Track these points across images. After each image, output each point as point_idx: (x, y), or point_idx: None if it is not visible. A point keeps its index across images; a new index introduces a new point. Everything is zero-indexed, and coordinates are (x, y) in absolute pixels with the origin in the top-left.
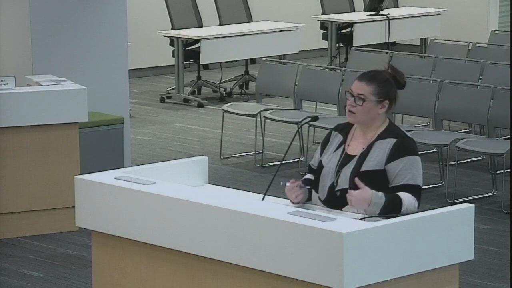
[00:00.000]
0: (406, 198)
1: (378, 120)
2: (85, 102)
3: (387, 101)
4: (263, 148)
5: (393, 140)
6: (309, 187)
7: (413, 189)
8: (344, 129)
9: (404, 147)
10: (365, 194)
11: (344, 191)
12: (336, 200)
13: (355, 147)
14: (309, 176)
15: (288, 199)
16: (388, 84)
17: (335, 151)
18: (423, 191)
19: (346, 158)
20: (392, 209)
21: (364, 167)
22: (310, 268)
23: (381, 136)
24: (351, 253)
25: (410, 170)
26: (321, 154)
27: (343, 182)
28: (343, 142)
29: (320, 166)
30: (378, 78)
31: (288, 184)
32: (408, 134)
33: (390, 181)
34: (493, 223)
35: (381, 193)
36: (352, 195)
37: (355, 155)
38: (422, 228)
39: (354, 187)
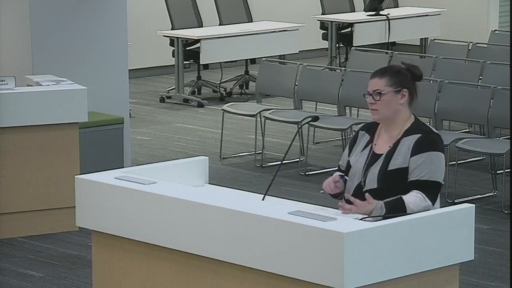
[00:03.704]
0: (412, 198)
1: (402, 114)
2: (85, 102)
3: (405, 89)
4: (263, 148)
5: (417, 136)
6: (347, 178)
7: (427, 185)
8: (371, 129)
9: (427, 142)
10: (368, 207)
11: (372, 191)
12: (362, 201)
13: (381, 146)
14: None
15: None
16: (401, 74)
17: (362, 150)
18: None
19: (373, 158)
20: (395, 214)
21: (391, 166)
22: (310, 268)
23: (406, 133)
24: (351, 253)
25: (429, 166)
26: (349, 155)
27: (371, 182)
28: (370, 141)
29: (348, 166)
30: (389, 70)
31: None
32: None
33: (409, 175)
34: (493, 223)
35: (381, 205)
36: (357, 205)
37: (381, 154)
38: (422, 228)
39: (383, 186)
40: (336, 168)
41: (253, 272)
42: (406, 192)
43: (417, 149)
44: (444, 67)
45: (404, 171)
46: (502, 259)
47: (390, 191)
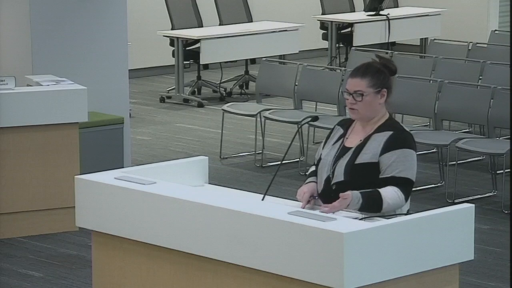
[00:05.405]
0: (389, 193)
1: (380, 111)
2: (85, 102)
3: (385, 89)
4: (263, 148)
5: (389, 133)
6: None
7: (402, 182)
8: (346, 124)
9: (399, 139)
10: (344, 203)
11: (339, 184)
12: (331, 193)
13: (353, 140)
14: (314, 167)
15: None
16: (381, 74)
17: (334, 144)
18: (423, 191)
19: (343, 151)
20: (371, 206)
21: (359, 160)
22: (310, 268)
23: (379, 129)
24: (351, 253)
25: (403, 163)
26: (323, 148)
27: (339, 175)
28: (343, 135)
29: (320, 159)
30: (370, 70)
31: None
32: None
33: (381, 172)
34: (493, 223)
35: (358, 196)
36: (335, 207)
37: (351, 147)
38: (422, 228)
39: (349, 179)
40: (313, 164)
41: (253, 272)
42: (374, 187)
43: (389, 146)
44: (444, 67)
45: (372, 166)
46: (502, 259)
47: (357, 185)
